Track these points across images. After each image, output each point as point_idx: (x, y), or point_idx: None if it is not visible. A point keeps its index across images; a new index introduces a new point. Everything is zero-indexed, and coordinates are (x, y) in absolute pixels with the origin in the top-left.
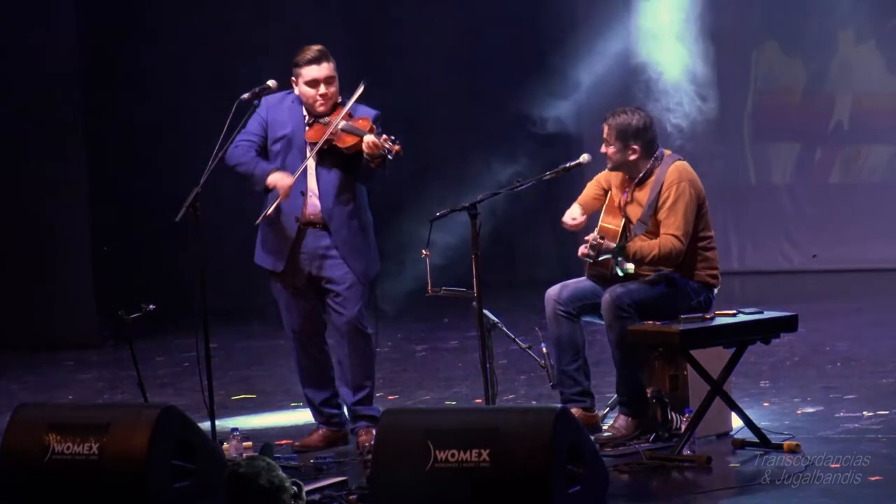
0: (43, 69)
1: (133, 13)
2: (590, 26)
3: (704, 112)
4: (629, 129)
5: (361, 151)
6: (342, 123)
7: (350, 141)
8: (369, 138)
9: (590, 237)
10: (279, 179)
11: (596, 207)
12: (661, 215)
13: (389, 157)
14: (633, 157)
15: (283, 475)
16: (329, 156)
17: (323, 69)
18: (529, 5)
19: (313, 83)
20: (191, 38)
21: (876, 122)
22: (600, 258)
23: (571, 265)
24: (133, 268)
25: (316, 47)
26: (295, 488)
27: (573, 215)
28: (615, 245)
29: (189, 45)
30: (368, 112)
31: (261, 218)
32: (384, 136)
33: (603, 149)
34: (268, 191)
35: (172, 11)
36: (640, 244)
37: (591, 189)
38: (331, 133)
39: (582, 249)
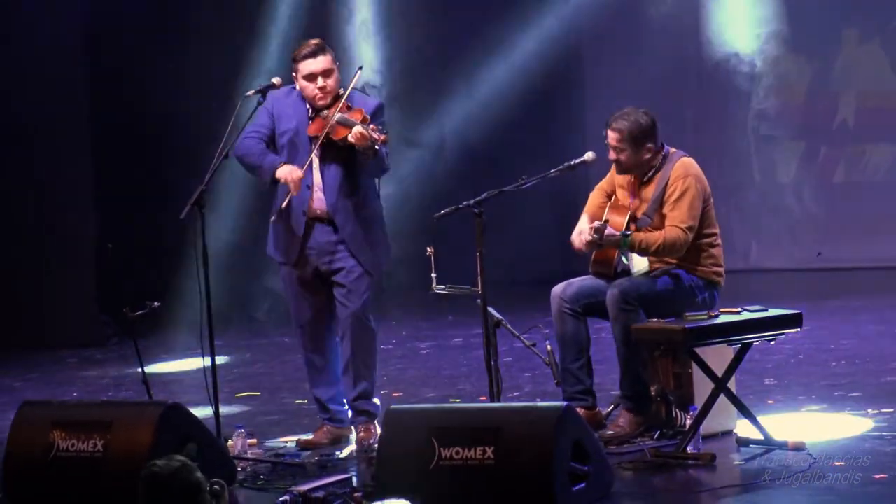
0: (48, 68)
1: (140, 14)
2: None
3: None
4: (642, 130)
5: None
6: (338, 116)
7: (343, 133)
8: (357, 129)
9: (594, 223)
10: (288, 173)
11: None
12: (667, 209)
13: (377, 147)
14: (647, 157)
15: (201, 476)
16: (331, 150)
17: (319, 62)
18: None
19: (311, 77)
20: (196, 38)
21: (880, 121)
22: (604, 244)
23: (576, 263)
24: (137, 265)
25: (313, 41)
26: (217, 487)
27: (581, 229)
28: (620, 233)
29: (194, 45)
30: (367, 102)
31: (274, 213)
32: (372, 126)
33: (612, 155)
34: (275, 182)
35: (179, 13)
36: (645, 234)
37: (595, 197)
38: (329, 127)
39: (585, 236)
